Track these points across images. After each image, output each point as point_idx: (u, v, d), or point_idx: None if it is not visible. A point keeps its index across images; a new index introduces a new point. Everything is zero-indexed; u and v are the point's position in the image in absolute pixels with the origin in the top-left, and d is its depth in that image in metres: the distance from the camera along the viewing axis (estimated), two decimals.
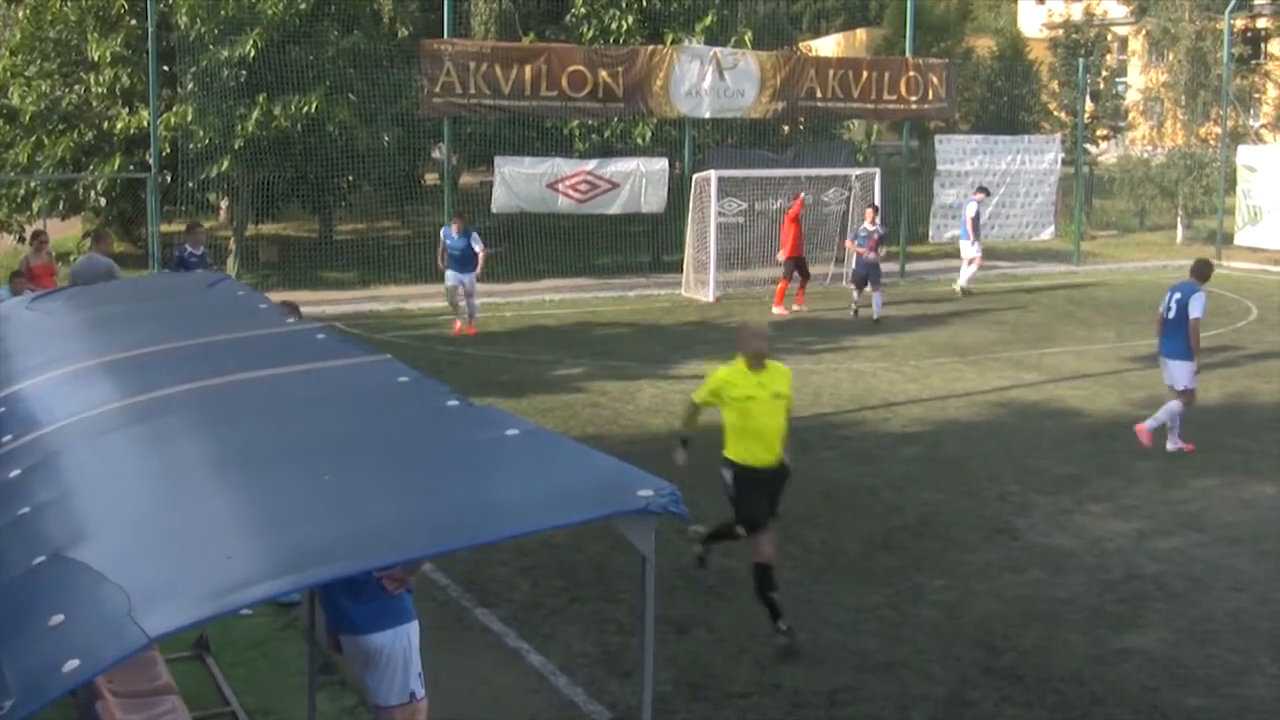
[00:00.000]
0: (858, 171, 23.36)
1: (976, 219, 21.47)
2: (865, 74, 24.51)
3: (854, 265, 19.54)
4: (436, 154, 24.80)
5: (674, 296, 21.83)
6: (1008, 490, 10.35)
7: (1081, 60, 29.13)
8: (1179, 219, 31.27)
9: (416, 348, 16.02)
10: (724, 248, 21.94)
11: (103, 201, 23.22)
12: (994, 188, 24.00)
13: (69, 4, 22.86)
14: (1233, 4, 28.93)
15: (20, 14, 24.80)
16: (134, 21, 22.36)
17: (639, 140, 23.98)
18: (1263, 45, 35.93)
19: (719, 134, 25.36)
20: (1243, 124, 31.75)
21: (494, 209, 22.37)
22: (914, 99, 24.85)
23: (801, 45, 32.74)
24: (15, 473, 4.05)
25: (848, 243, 20.55)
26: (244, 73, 21.58)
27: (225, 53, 21.25)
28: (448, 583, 8.16)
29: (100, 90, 22.58)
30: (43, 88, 22.60)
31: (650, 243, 25.55)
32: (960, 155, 25.15)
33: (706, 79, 22.83)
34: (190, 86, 21.86)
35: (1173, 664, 7.04)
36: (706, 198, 21.38)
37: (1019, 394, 14.06)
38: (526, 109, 22.41)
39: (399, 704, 5.11)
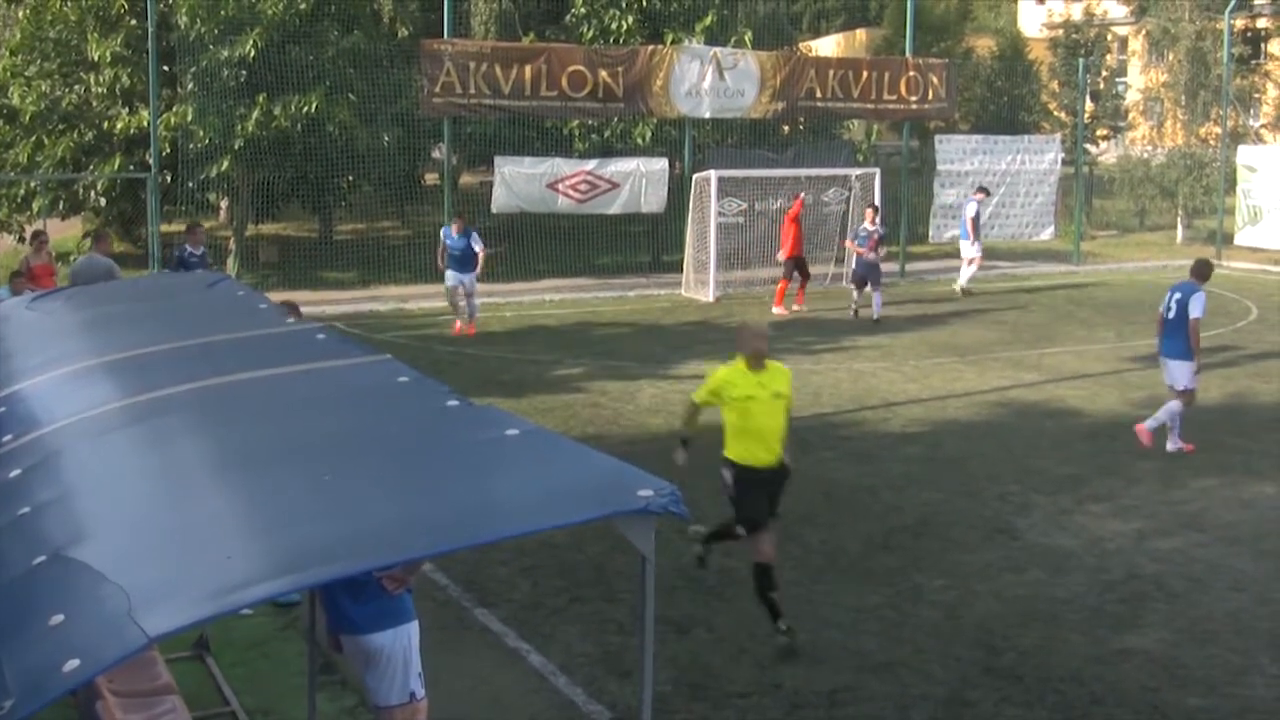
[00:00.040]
0: (858, 171, 23.37)
1: (976, 219, 21.47)
2: (865, 74, 24.51)
3: (854, 265, 19.54)
4: (436, 154, 24.80)
5: (674, 296, 21.83)
6: (1008, 490, 10.35)
7: (1081, 60, 29.13)
8: (1179, 219, 31.28)
9: (416, 348, 16.02)
10: (724, 248, 21.94)
11: (103, 201, 23.22)
12: (994, 188, 24.01)
13: (69, 4, 22.86)
14: (1233, 4, 28.94)
15: (20, 14, 24.80)
16: (134, 21, 22.37)
17: (639, 140, 23.99)
18: (1263, 45, 35.93)
19: (719, 134, 25.36)
20: (1243, 124, 31.75)
21: (494, 209, 22.36)
22: (914, 99, 24.86)
23: (801, 45, 32.74)
24: (15, 473, 4.05)
25: (848, 243, 20.55)
26: (244, 73, 21.58)
27: (225, 53, 21.25)
28: (448, 583, 8.16)
29: (100, 90, 22.58)
30: (43, 88, 22.60)
31: (650, 243, 25.56)
32: (960, 155, 25.16)
33: (706, 79, 22.83)
34: (190, 86, 21.87)
35: (1173, 664, 7.04)
36: (706, 198, 21.39)
37: (1019, 394, 14.06)
38: (526, 109, 22.41)
39: (399, 704, 5.11)
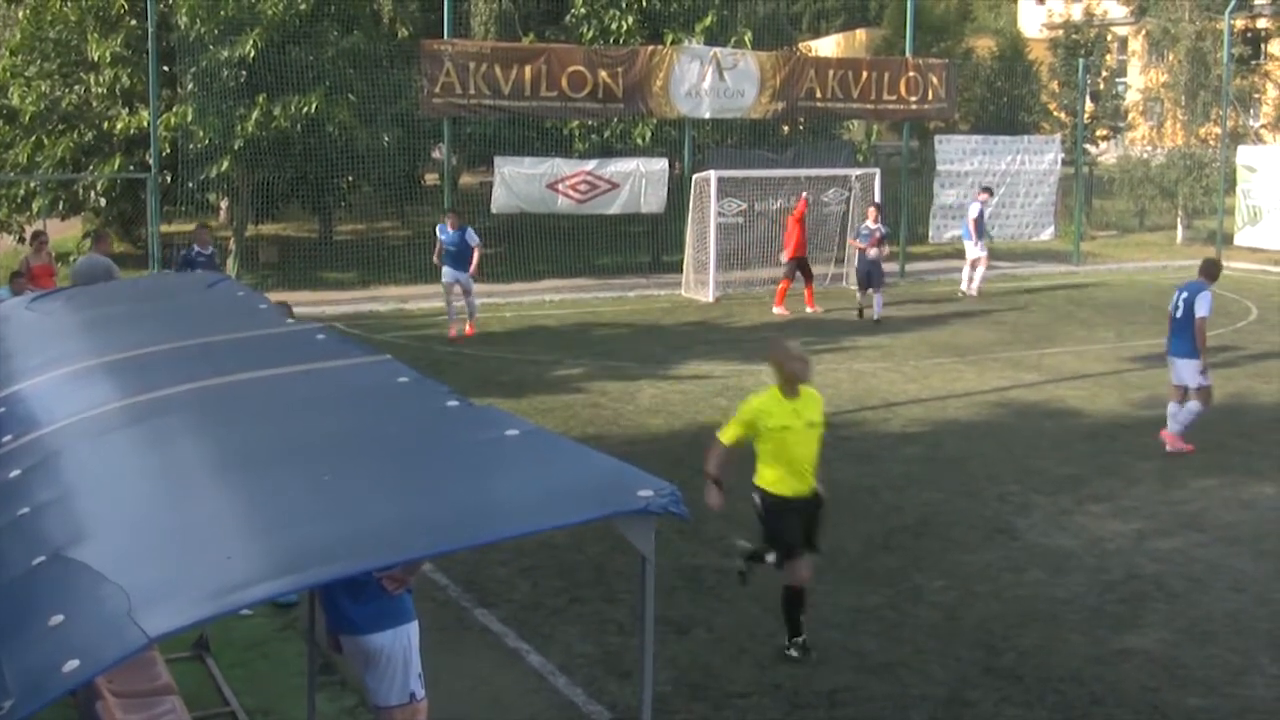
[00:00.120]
0: (858, 172, 23.37)
1: (979, 219, 21.45)
2: (865, 74, 24.51)
3: (856, 265, 19.47)
4: (436, 154, 24.80)
5: (674, 297, 21.84)
6: (1008, 490, 10.35)
7: (1081, 60, 29.14)
8: (1179, 219, 31.28)
9: (416, 348, 16.03)
10: (724, 248, 21.94)
11: (103, 202, 23.23)
12: (994, 188, 24.00)
13: (69, 4, 22.87)
14: (1233, 4, 28.94)
15: (20, 14, 24.82)
16: (134, 21, 22.38)
17: (639, 140, 23.99)
18: (1263, 45, 35.93)
19: (719, 134, 25.37)
20: (1243, 124, 31.76)
21: (494, 209, 22.36)
22: (914, 99, 24.86)
23: (801, 45, 32.74)
24: (15, 473, 4.05)
25: (852, 241, 20.56)
26: (244, 73, 21.59)
27: (225, 53, 21.26)
28: (448, 583, 8.16)
29: (100, 90, 22.59)
30: (43, 88, 22.61)
31: (650, 243, 25.56)
32: (960, 155, 25.16)
33: (706, 79, 22.83)
34: (190, 87, 21.87)
35: (1173, 664, 7.04)
36: (706, 198, 21.39)
37: (1019, 394, 14.06)
38: (526, 109, 22.41)
39: (399, 704, 5.11)
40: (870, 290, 18.84)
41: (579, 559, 8.61)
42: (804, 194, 20.77)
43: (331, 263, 23.24)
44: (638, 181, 22.68)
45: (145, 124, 21.23)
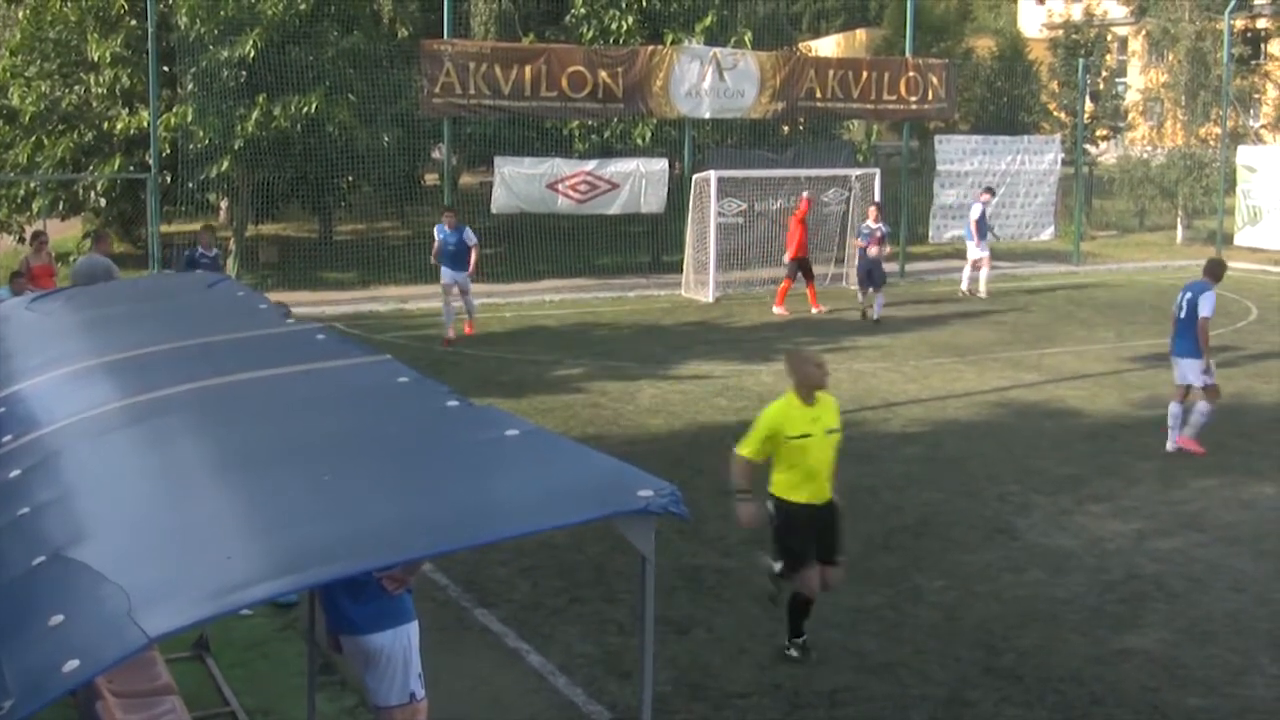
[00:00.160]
0: (858, 172, 23.37)
1: (981, 220, 21.44)
2: (865, 74, 24.51)
3: (858, 264, 19.39)
4: (436, 154, 24.80)
5: (674, 297, 21.84)
6: (1008, 490, 10.35)
7: (1081, 60, 29.14)
8: (1179, 219, 31.29)
9: (416, 348, 16.03)
10: (724, 248, 21.94)
11: (103, 202, 23.23)
12: (994, 188, 23.99)
13: (69, 4, 22.87)
14: (1233, 4, 28.94)
15: (20, 14, 24.81)
16: (134, 22, 22.38)
17: (639, 141, 23.99)
18: (1263, 45, 35.94)
19: (719, 134, 25.37)
20: (1243, 124, 31.76)
21: (494, 209, 22.36)
22: (914, 99, 24.86)
23: (801, 46, 32.75)
24: (15, 473, 4.05)
25: (854, 241, 20.55)
26: (244, 73, 21.59)
27: (225, 53, 21.26)
28: (448, 583, 8.16)
29: (100, 90, 22.59)
30: (43, 88, 22.61)
31: (650, 243, 25.56)
32: (960, 155, 25.16)
33: (706, 79, 22.83)
34: (190, 87, 21.88)
35: (1173, 664, 7.04)
36: (706, 198, 21.39)
37: (1019, 394, 14.06)
38: (526, 109, 22.41)
39: (399, 704, 5.10)
40: (870, 290, 18.83)
41: (579, 559, 8.61)
42: (805, 194, 20.76)
43: (331, 263, 23.24)
44: (638, 181, 22.69)
45: (145, 124, 21.24)
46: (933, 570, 8.49)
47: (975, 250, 21.50)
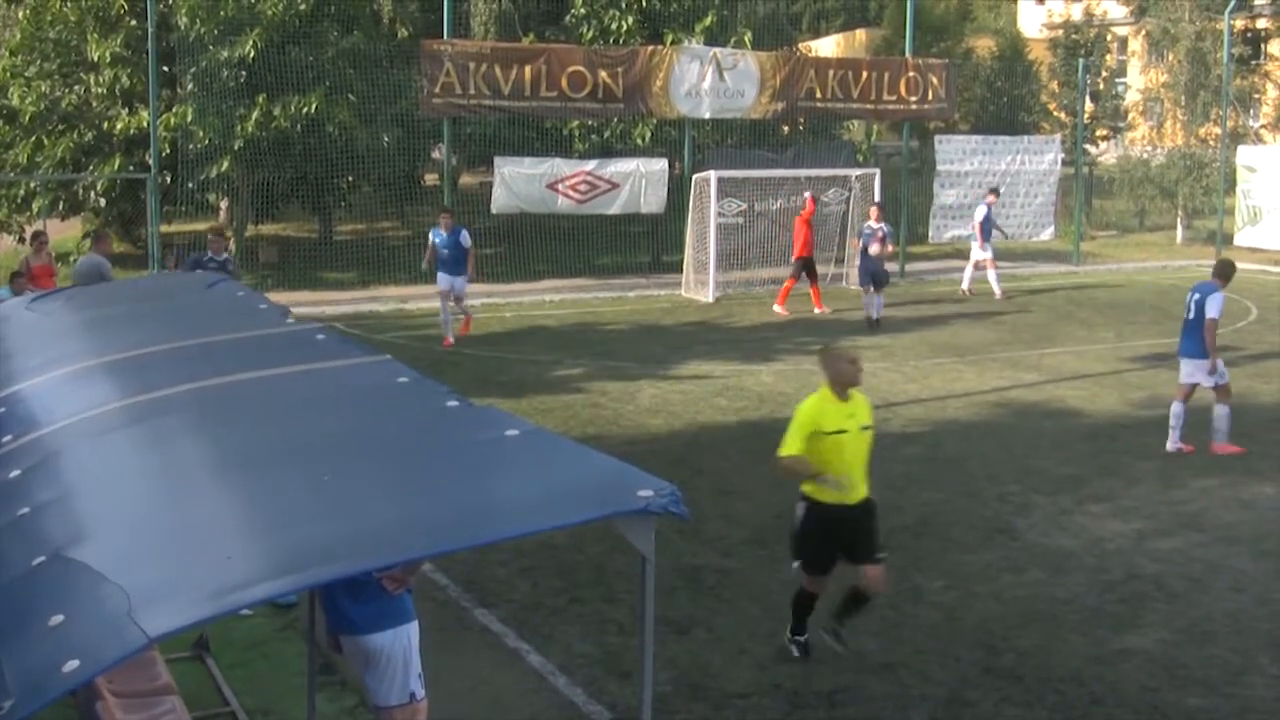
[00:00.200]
0: (858, 172, 23.37)
1: (986, 221, 21.44)
2: (865, 74, 24.52)
3: (859, 265, 19.22)
4: (436, 154, 24.80)
5: (674, 297, 21.84)
6: (1008, 490, 10.35)
7: (1081, 60, 29.14)
8: (1179, 219, 31.29)
9: (416, 348, 16.02)
10: (724, 248, 21.94)
11: (103, 202, 23.22)
12: (999, 189, 23.92)
13: (69, 4, 22.87)
14: (1233, 4, 28.94)
15: (20, 14, 24.81)
16: (134, 22, 22.38)
17: (639, 141, 23.99)
18: (1263, 45, 35.93)
19: (719, 134, 25.37)
20: (1243, 124, 31.76)
21: (494, 209, 22.36)
22: (914, 99, 24.87)
23: (801, 46, 32.75)
24: (15, 473, 4.05)
25: (853, 242, 20.53)
26: (244, 73, 21.59)
27: (225, 53, 21.27)
28: (448, 583, 8.16)
29: (100, 90, 22.59)
30: (43, 88, 22.61)
31: (650, 243, 25.56)
32: (960, 155, 25.16)
33: (706, 79, 22.83)
34: (190, 87, 21.88)
35: (1173, 664, 7.04)
36: (706, 198, 21.39)
37: (1019, 394, 14.06)
38: (526, 109, 22.41)
39: (399, 704, 5.10)
40: (872, 289, 18.79)
41: (579, 559, 8.61)
42: (808, 194, 20.70)
43: (331, 263, 23.24)
44: (638, 181, 22.69)
45: (145, 124, 21.23)
46: (933, 570, 8.49)
47: (978, 251, 21.50)
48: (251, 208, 24.08)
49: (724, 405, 13.45)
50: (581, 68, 22.17)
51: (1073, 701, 6.61)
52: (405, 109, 22.72)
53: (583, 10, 24.76)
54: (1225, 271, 11.57)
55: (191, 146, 21.13)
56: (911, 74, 24.76)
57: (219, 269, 13.56)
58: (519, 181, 22.05)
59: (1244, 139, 30.40)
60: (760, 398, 13.81)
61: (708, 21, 24.44)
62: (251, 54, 21.19)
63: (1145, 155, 32.25)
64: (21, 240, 22.17)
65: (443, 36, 21.87)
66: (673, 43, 23.48)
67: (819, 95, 23.99)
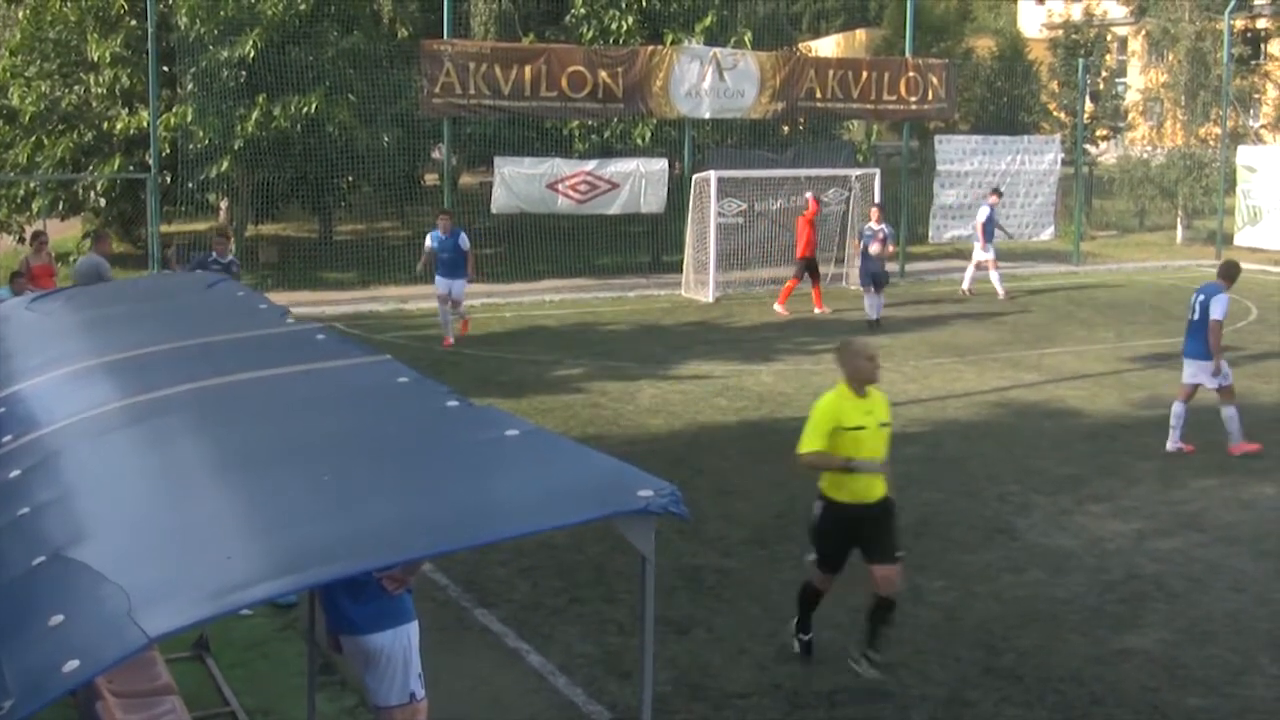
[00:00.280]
0: (858, 172, 23.37)
1: (989, 222, 21.43)
2: (865, 74, 24.52)
3: (860, 266, 19.15)
4: (436, 154, 24.80)
5: (674, 297, 21.84)
6: (1008, 490, 10.35)
7: (1081, 60, 29.14)
8: (1179, 219, 31.29)
9: (416, 348, 16.02)
10: (724, 248, 21.94)
11: (102, 202, 23.23)
12: (1001, 190, 23.88)
13: (69, 4, 22.87)
14: (1233, 4, 28.94)
15: (20, 14, 24.82)
16: (134, 22, 22.38)
17: (639, 141, 24.00)
18: (1263, 45, 35.94)
19: (719, 134, 25.37)
20: (1242, 124, 31.76)
21: (494, 209, 22.37)
22: (914, 99, 24.87)
23: (801, 46, 32.75)
24: (15, 473, 4.05)
25: (854, 243, 20.51)
26: (244, 73, 21.59)
27: (225, 53, 21.27)
28: (448, 583, 8.16)
29: (100, 90, 22.60)
30: (43, 88, 22.61)
31: (650, 243, 25.56)
32: (960, 155, 25.16)
33: (706, 79, 22.84)
34: (190, 87, 21.89)
35: (1173, 664, 7.04)
36: (706, 198, 21.39)
37: (1019, 394, 14.06)
38: (526, 109, 22.41)
39: (399, 704, 5.10)
40: (873, 289, 18.77)
41: (579, 559, 8.61)
42: (809, 194, 20.66)
43: (331, 263, 23.24)
44: (638, 181, 22.69)
45: (145, 124, 21.24)
46: (933, 570, 8.49)
47: (980, 251, 21.51)
48: (251, 208, 24.08)
49: (724, 405, 13.46)
50: (581, 68, 22.17)
51: (1073, 701, 6.61)
52: (405, 109, 22.72)
53: (583, 10, 24.76)
54: (1230, 273, 11.57)
55: (191, 146, 21.14)
56: (911, 74, 24.77)
57: (223, 270, 13.36)
58: (519, 181, 22.05)
59: (1244, 139, 30.40)
60: (760, 398, 13.81)
61: (708, 21, 24.44)
62: (251, 54, 21.20)
63: (1145, 155, 32.25)
64: (21, 240, 22.17)
65: (443, 36, 21.87)
66: (673, 43, 23.48)
67: (819, 95, 23.99)
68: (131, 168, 22.03)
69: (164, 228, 21.88)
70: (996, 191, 22.44)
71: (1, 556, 3.43)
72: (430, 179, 26.75)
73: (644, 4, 24.59)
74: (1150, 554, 8.81)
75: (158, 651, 5.86)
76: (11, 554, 3.40)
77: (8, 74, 22.98)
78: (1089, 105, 32.41)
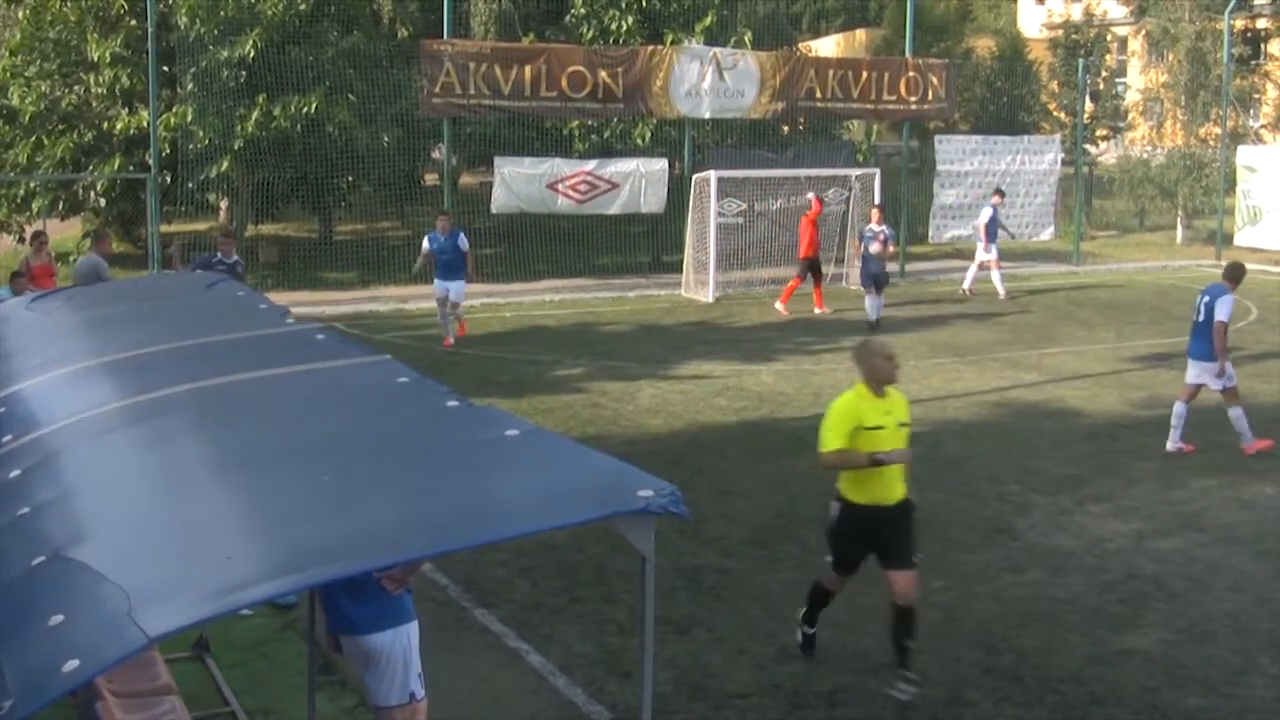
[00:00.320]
0: (858, 172, 23.37)
1: (992, 222, 21.43)
2: (865, 74, 24.52)
3: (861, 267, 19.10)
4: (436, 154, 24.81)
5: (674, 297, 21.84)
6: (1008, 490, 10.35)
7: (1081, 60, 29.14)
8: (1179, 219, 31.29)
9: (416, 348, 16.02)
10: (724, 248, 21.93)
11: (102, 202, 23.24)
12: (1003, 190, 23.86)
13: (69, 4, 22.88)
14: (1233, 4, 28.94)
15: (20, 14, 24.83)
16: (134, 22, 22.39)
17: (639, 141, 24.00)
18: (1263, 45, 35.95)
19: (719, 134, 25.37)
20: (1242, 124, 31.76)
21: (494, 209, 22.37)
22: (914, 99, 24.87)
23: (801, 45, 32.76)
24: (15, 473, 4.05)
25: (855, 245, 20.50)
26: (244, 73, 21.59)
27: (225, 53, 21.27)
28: (447, 583, 8.16)
29: (100, 90, 22.60)
30: (43, 88, 22.62)
31: (650, 243, 25.57)
32: (960, 155, 25.16)
33: (706, 79, 22.84)
34: (190, 87, 21.89)
35: (1173, 664, 7.04)
36: (706, 198, 21.39)
37: (1019, 394, 14.06)
38: (526, 109, 22.41)
39: (399, 704, 5.10)
40: (874, 290, 18.75)
41: (579, 559, 8.61)
42: (812, 195, 20.64)
43: (331, 263, 23.24)
44: (638, 181, 22.69)
45: (145, 124, 21.24)
46: (933, 570, 8.47)
47: (983, 252, 21.51)
48: (251, 208, 24.08)
49: (724, 405, 13.45)
50: (581, 68, 22.17)
51: (1073, 701, 6.61)
52: (405, 109, 22.72)
53: (583, 10, 24.76)
54: (1235, 274, 11.59)
55: (191, 146, 21.14)
56: (911, 74, 24.76)
57: (228, 271, 13.28)
58: (519, 181, 22.05)
59: (1244, 139, 30.41)
60: (760, 398, 13.81)
61: (708, 21, 24.44)
62: (251, 54, 21.20)
63: (1145, 155, 32.26)
64: (21, 240, 22.17)
65: (443, 36, 21.87)
66: (673, 43, 23.48)
67: (819, 95, 23.99)
68: (131, 168, 22.03)
69: (164, 228, 21.88)
70: (999, 192, 22.43)
71: (1, 556, 3.43)
72: (430, 179, 26.76)
73: (644, 4, 24.59)
74: (1150, 554, 8.81)
75: (158, 651, 5.86)
76: (11, 554, 3.40)
77: (8, 74, 22.98)
78: (1089, 105, 32.42)
